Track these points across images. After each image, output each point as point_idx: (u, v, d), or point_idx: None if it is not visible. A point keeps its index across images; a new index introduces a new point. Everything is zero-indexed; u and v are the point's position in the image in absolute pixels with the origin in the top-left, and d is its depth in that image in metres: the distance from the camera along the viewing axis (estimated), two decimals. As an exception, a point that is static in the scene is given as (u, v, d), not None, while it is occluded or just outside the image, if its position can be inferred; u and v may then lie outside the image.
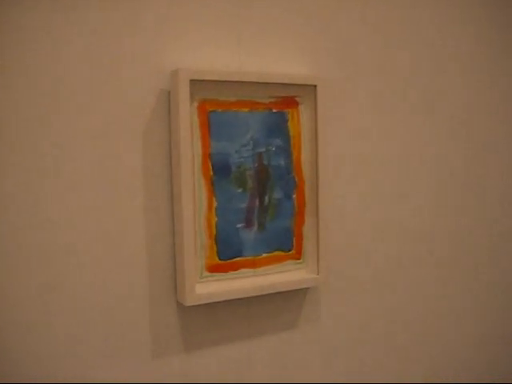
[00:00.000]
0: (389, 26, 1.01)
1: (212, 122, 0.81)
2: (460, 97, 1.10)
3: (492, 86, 1.14)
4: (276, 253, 0.88)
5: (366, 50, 0.98)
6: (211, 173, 0.82)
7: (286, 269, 0.89)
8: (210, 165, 0.81)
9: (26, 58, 0.72)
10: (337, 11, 0.95)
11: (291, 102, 0.88)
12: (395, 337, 1.05)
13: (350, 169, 0.98)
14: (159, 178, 0.81)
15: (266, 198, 0.86)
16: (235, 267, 0.85)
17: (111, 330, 0.79)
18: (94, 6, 0.75)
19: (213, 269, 0.83)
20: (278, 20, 0.89)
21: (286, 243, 0.88)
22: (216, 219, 0.82)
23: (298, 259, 0.90)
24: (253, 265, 0.86)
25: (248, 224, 0.85)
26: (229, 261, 0.84)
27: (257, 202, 0.85)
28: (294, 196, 0.89)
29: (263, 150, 0.86)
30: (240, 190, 0.84)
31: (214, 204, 0.82)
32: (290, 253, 0.89)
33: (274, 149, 0.86)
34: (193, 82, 0.78)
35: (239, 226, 0.84)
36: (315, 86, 0.88)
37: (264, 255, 0.87)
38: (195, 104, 0.80)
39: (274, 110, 0.86)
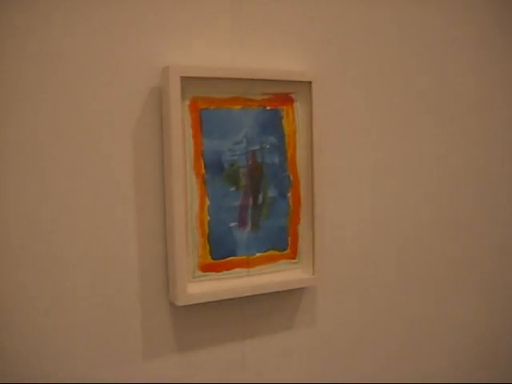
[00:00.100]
0: (386, 21, 0.99)
1: (204, 119, 0.80)
2: (460, 96, 1.08)
3: (493, 85, 1.12)
4: (270, 252, 0.86)
5: (362, 46, 0.96)
6: (203, 171, 0.81)
7: (281, 268, 0.87)
8: (202, 163, 0.80)
9: (16, 53, 0.71)
10: (333, 6, 0.93)
11: (286, 99, 0.86)
12: (393, 338, 1.04)
13: (347, 167, 0.96)
14: (151, 177, 0.80)
15: (260, 197, 0.85)
16: (228, 267, 0.83)
17: (103, 329, 0.78)
18: (82, 4, 0.74)
19: (205, 268, 0.82)
20: (271, 15, 0.88)
21: (280, 242, 0.87)
22: (208, 218, 0.81)
23: (293, 259, 0.88)
24: (246, 264, 0.85)
25: (241, 223, 0.84)
26: (222, 260, 0.83)
27: (250, 201, 0.84)
28: (289, 194, 0.87)
29: (257, 147, 0.84)
30: (233, 189, 0.83)
31: (207, 202, 0.81)
32: (285, 252, 0.88)
33: (268, 147, 0.85)
34: (184, 78, 0.77)
35: (232, 224, 0.83)
36: (310, 82, 0.87)
37: (258, 255, 0.85)
38: (187, 101, 0.79)
39: (268, 108, 0.85)
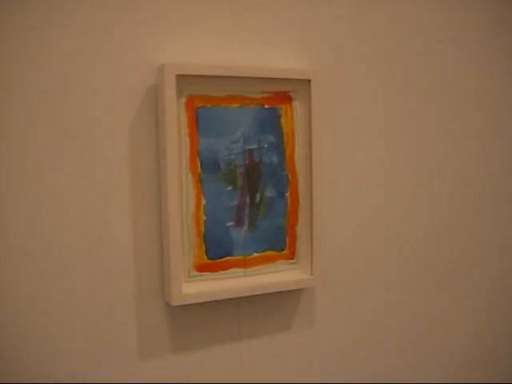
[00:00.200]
0: (386, 20, 0.97)
1: (200, 117, 0.79)
2: (460, 96, 1.07)
3: (494, 85, 1.11)
4: (268, 252, 0.85)
5: (362, 44, 0.95)
6: (199, 170, 0.80)
7: (279, 269, 0.86)
8: (198, 162, 0.79)
9: (12, 54, 0.70)
10: (331, 4, 0.92)
11: (284, 98, 0.85)
12: (392, 339, 1.03)
13: (346, 166, 0.95)
14: (146, 176, 0.79)
15: (258, 196, 0.84)
16: (225, 267, 0.82)
17: (99, 329, 0.77)
18: (81, 4, 0.74)
19: (201, 268, 0.81)
20: (270, 12, 0.86)
21: (278, 242, 0.86)
22: (205, 217, 0.80)
23: (291, 259, 0.87)
24: (243, 264, 0.84)
25: (238, 222, 0.83)
26: (218, 260, 0.82)
27: (247, 200, 0.83)
28: (287, 194, 0.86)
29: (255, 146, 0.83)
30: (230, 188, 0.82)
31: (203, 202, 0.80)
32: (283, 252, 0.87)
33: (266, 145, 0.84)
34: (180, 76, 0.76)
35: (229, 224, 0.82)
36: (309, 80, 0.85)
37: (255, 255, 0.85)
38: (183, 100, 0.78)
39: (267, 106, 0.84)
